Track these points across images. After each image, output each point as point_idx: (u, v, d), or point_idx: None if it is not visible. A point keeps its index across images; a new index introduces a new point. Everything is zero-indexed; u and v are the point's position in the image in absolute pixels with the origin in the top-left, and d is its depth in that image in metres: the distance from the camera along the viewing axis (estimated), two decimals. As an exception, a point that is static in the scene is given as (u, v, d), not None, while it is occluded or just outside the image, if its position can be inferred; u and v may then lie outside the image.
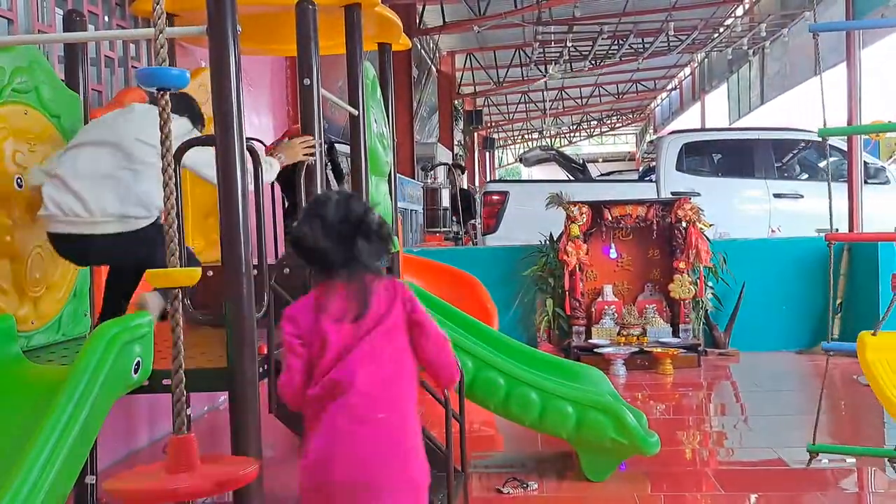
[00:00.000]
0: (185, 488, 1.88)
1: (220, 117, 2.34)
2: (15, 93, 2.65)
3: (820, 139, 3.34)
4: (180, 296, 2.01)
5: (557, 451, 3.87)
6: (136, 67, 4.29)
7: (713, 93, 20.10)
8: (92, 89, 3.58)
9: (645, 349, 6.01)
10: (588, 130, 31.03)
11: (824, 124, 3.30)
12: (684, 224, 6.24)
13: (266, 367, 2.58)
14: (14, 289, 2.60)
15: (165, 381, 2.44)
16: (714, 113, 19.81)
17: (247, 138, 2.47)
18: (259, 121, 6.18)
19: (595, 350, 6.02)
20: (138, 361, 2.18)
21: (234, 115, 2.33)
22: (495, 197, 8.65)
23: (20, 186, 2.68)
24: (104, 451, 3.54)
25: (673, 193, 7.82)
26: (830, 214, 3.32)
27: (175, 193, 2.01)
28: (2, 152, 2.59)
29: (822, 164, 8.56)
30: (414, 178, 12.97)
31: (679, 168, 8.33)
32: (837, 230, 6.83)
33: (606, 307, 6.40)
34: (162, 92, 1.92)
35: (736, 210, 7.98)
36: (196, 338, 2.86)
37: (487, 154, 25.91)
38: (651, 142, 12.34)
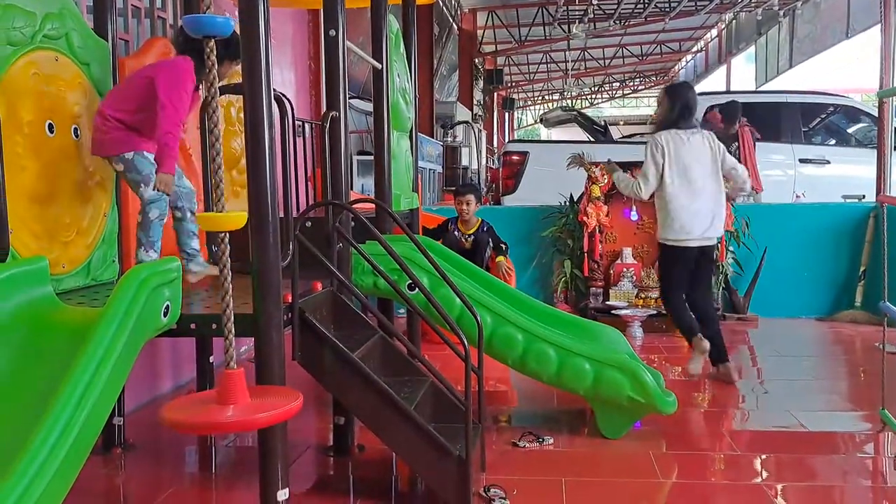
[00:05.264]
0: (235, 421, 2.00)
1: (249, 68, 2.35)
2: (46, 39, 2.67)
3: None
4: (226, 240, 2.05)
5: (573, 408, 3.91)
6: (161, 18, 4.28)
7: (740, 56, 19.76)
8: (119, 39, 3.58)
9: (663, 312, 6.01)
10: (610, 92, 30.66)
11: (881, 85, 3.25)
12: (707, 187, 6.17)
13: (290, 315, 2.62)
14: (46, 233, 2.65)
15: (193, 325, 2.50)
16: (740, 76, 19.50)
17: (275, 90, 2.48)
18: (281, 76, 6.16)
19: (612, 312, 6.03)
20: (167, 305, 2.22)
21: (263, 65, 2.33)
22: (515, 157, 8.59)
23: (51, 132, 2.70)
24: (130, 395, 3.63)
25: (696, 157, 7.74)
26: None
27: (218, 141, 2.04)
28: (33, 99, 2.61)
29: (850, 130, 8.43)
30: (433, 137, 12.92)
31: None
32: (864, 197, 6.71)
33: (625, 269, 6.39)
34: (207, 39, 1.97)
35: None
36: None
37: (507, 114, 25.71)
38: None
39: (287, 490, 2.43)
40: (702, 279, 4.49)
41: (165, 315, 2.22)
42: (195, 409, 2.02)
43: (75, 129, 2.82)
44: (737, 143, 7.27)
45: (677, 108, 4.32)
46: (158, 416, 1.99)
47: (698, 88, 21.62)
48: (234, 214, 1.98)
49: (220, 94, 3.08)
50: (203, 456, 3.48)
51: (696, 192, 4.28)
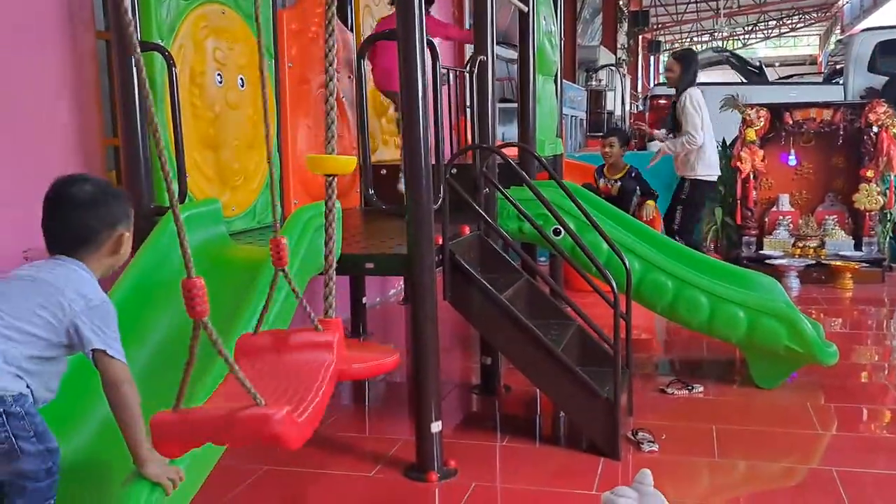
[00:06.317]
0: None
1: (403, 14, 2.39)
2: (213, -7, 2.83)
3: None
4: (334, 183, 1.99)
5: (723, 358, 3.81)
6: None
7: (917, -15, 17.89)
8: (275, -9, 3.73)
9: (822, 262, 5.69)
10: (765, 31, 28.70)
11: None
12: (875, 129, 5.73)
13: (441, 257, 2.69)
14: (217, 177, 2.85)
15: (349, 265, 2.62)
16: (916, 8, 17.68)
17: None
18: (425, 23, 6.20)
19: (766, 261, 5.76)
20: (329, 244, 2.34)
21: (416, 10, 2.37)
22: (662, 101, 8.30)
23: (220, 82, 2.88)
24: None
25: (863, 97, 7.17)
26: None
27: (333, 81, 1.87)
28: (204, 50, 2.79)
29: None
30: (575, 83, 12.65)
31: (871, 69, 7.59)
32: None
33: (781, 217, 6.07)
34: None
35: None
36: (380, 226, 3.03)
37: (652, 58, 24.71)
38: (840, 41, 11.27)
39: (440, 423, 2.53)
40: None
41: (327, 253, 2.34)
42: None
43: (241, 80, 2.99)
44: None
45: (692, 71, 5.19)
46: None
47: (866, 24, 19.88)
48: (343, 158, 1.78)
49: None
50: (357, 390, 3.67)
51: (712, 137, 5.25)
